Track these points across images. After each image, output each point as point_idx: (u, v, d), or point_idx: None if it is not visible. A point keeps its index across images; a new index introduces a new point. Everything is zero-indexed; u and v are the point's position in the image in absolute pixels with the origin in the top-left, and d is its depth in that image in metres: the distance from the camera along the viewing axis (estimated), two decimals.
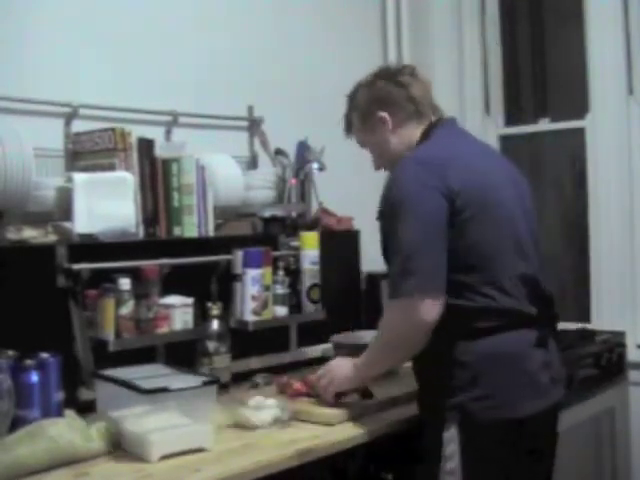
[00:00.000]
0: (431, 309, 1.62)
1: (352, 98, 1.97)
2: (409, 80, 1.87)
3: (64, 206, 1.96)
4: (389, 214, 1.71)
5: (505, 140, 3.28)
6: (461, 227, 1.65)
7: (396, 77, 1.88)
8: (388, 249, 1.72)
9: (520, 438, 1.66)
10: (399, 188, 1.70)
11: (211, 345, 2.12)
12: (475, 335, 1.66)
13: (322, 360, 2.49)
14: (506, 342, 1.67)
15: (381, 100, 1.87)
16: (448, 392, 1.67)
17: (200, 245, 2.24)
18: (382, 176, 3.23)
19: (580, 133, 3.06)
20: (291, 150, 2.64)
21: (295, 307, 2.36)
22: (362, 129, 1.94)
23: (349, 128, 1.99)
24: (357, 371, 1.83)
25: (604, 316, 2.98)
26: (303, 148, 2.64)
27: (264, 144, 2.64)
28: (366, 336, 2.40)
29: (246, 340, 2.23)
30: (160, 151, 2.24)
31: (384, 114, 1.86)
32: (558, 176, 3.29)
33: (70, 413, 1.72)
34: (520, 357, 1.68)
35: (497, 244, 1.70)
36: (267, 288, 2.23)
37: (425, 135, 1.85)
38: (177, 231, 2.22)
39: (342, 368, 1.87)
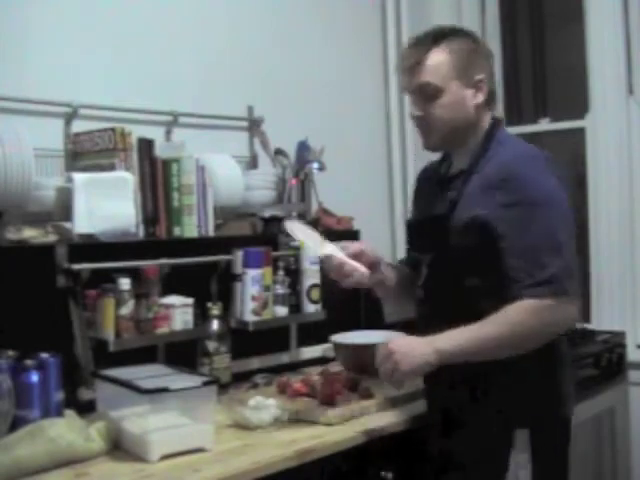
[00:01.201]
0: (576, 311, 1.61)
1: (444, 36, 1.69)
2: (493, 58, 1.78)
3: (64, 206, 1.96)
4: (530, 210, 1.58)
5: None
6: None
7: (486, 45, 1.76)
8: (521, 243, 1.58)
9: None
10: (540, 184, 1.60)
11: (211, 345, 2.12)
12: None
13: (322, 360, 2.50)
14: (564, 343, 1.72)
15: (484, 63, 1.71)
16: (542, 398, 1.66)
17: (200, 245, 2.24)
18: (382, 176, 3.25)
19: (580, 133, 3.06)
20: (291, 150, 2.64)
21: (295, 307, 2.36)
22: (448, 77, 1.66)
23: (417, 61, 1.67)
24: (440, 358, 1.60)
25: (604, 316, 2.98)
26: (303, 148, 2.64)
27: (264, 144, 2.64)
28: (366, 336, 2.40)
29: (246, 340, 2.23)
30: (160, 151, 2.24)
31: (483, 77, 1.69)
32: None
33: (70, 413, 1.72)
34: (569, 357, 1.75)
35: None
36: (267, 288, 2.23)
37: (492, 131, 1.72)
38: (177, 231, 2.22)
39: (417, 350, 1.62)
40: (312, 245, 1.78)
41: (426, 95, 1.68)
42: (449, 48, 1.67)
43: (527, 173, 1.61)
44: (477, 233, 1.61)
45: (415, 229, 1.87)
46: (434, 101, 1.67)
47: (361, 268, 1.73)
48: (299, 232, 1.79)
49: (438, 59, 1.66)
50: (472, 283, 1.64)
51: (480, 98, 1.69)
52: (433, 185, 1.84)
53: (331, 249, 1.74)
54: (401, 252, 3.18)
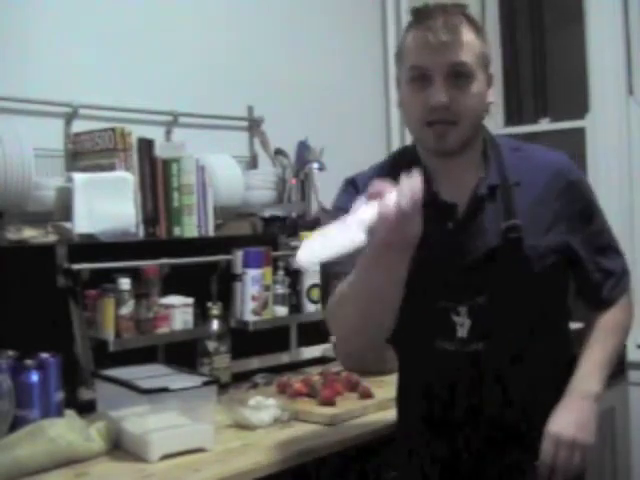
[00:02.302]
0: None
1: (468, 18, 1.43)
2: None
3: (64, 206, 1.96)
4: (599, 212, 1.54)
5: None
6: None
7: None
8: (598, 245, 1.54)
9: None
10: (589, 186, 1.55)
11: (211, 345, 2.12)
12: None
13: (322, 360, 2.50)
14: None
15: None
16: None
17: (200, 245, 2.24)
18: None
19: (580, 133, 3.06)
20: (291, 150, 2.64)
21: (295, 307, 2.36)
22: (477, 62, 1.40)
23: (452, 40, 1.37)
24: (598, 400, 1.47)
25: None
26: (303, 148, 2.65)
27: (264, 144, 2.64)
28: None
29: (246, 340, 2.23)
30: (160, 151, 2.24)
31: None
32: None
33: (70, 413, 1.72)
34: None
35: None
36: (267, 288, 2.23)
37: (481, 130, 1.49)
38: (177, 231, 2.22)
39: (584, 416, 1.44)
40: (343, 240, 1.16)
41: (457, 78, 1.37)
42: (476, 28, 1.42)
43: (579, 174, 1.53)
44: (556, 252, 1.45)
45: (451, 274, 1.43)
46: (465, 87, 1.38)
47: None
48: (319, 247, 1.18)
49: (471, 37, 1.39)
50: (548, 307, 1.50)
51: (491, 97, 1.46)
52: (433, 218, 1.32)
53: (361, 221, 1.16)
54: None
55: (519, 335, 1.45)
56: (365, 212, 1.16)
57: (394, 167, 1.42)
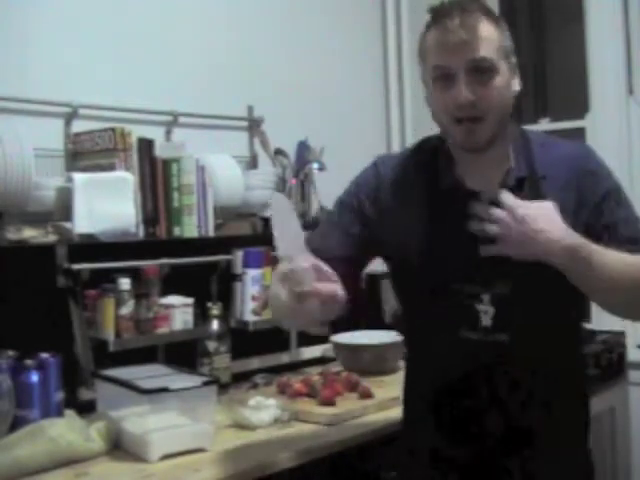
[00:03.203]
0: None
1: (485, 11, 1.43)
2: None
3: (64, 206, 1.96)
4: (622, 201, 1.49)
5: None
6: None
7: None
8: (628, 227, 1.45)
9: None
10: (609, 174, 1.52)
11: (211, 345, 2.12)
12: None
13: (322, 360, 2.50)
14: None
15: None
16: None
17: (200, 245, 2.24)
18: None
19: (580, 133, 3.06)
20: (291, 150, 2.64)
21: None
22: (498, 54, 1.42)
23: (471, 38, 1.38)
24: (573, 249, 1.34)
25: (604, 316, 2.95)
26: (303, 148, 2.64)
27: (264, 144, 2.64)
28: (366, 336, 2.41)
29: (246, 340, 2.23)
30: (160, 151, 2.24)
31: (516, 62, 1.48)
32: None
33: (70, 413, 1.73)
34: None
35: None
36: (267, 288, 2.23)
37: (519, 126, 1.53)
38: (177, 231, 2.22)
39: (554, 218, 1.36)
40: (283, 246, 1.27)
41: (480, 74, 1.39)
42: (495, 21, 1.43)
43: (597, 163, 1.50)
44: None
45: (474, 261, 1.41)
46: (489, 82, 1.39)
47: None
48: (279, 218, 1.29)
49: (490, 31, 1.41)
50: (570, 300, 1.46)
51: (517, 86, 1.46)
52: (453, 204, 1.44)
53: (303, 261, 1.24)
54: None
55: (543, 328, 1.43)
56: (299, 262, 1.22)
57: (417, 155, 1.54)
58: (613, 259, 1.37)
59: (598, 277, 1.36)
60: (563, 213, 1.38)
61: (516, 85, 1.46)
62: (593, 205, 1.44)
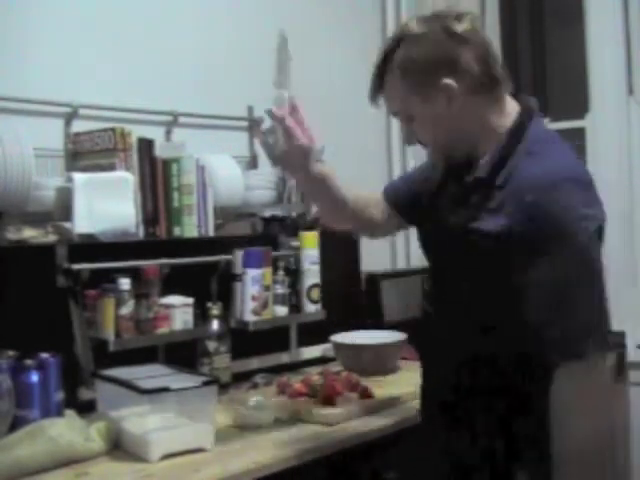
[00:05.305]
0: None
1: (399, 42, 1.49)
2: (475, 33, 1.43)
3: (64, 206, 1.96)
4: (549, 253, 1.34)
5: None
6: None
7: (456, 26, 1.41)
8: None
9: None
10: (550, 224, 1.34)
11: (211, 345, 2.12)
12: None
13: (322, 360, 2.50)
14: None
15: (453, 54, 1.40)
16: None
17: (200, 245, 2.24)
18: (382, 176, 3.25)
19: (580, 133, 3.06)
20: None
21: (295, 307, 2.36)
22: (407, 98, 1.45)
23: (376, 91, 1.51)
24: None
25: None
26: None
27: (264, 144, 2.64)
28: (366, 336, 2.41)
29: (246, 340, 2.23)
30: (160, 151, 2.24)
31: (450, 81, 1.40)
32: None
33: (70, 413, 1.73)
34: None
35: None
36: (267, 288, 2.23)
37: (517, 131, 1.44)
38: (177, 231, 2.22)
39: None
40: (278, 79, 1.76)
41: (404, 120, 1.50)
42: (399, 63, 1.46)
43: (545, 203, 1.32)
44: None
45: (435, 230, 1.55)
46: (412, 124, 1.48)
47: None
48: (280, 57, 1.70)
49: (392, 83, 1.48)
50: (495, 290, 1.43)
51: (454, 105, 1.40)
52: (454, 185, 1.52)
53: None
54: (400, 252, 3.19)
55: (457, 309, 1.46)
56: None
57: None
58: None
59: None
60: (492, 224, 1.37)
61: (452, 104, 1.41)
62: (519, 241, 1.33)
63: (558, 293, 1.30)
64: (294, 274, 2.36)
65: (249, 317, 2.20)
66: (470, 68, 1.40)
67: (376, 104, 1.53)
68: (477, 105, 1.43)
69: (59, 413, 1.70)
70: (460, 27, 1.41)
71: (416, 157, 3.05)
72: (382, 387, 2.05)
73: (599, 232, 1.36)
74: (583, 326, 1.32)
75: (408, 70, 1.44)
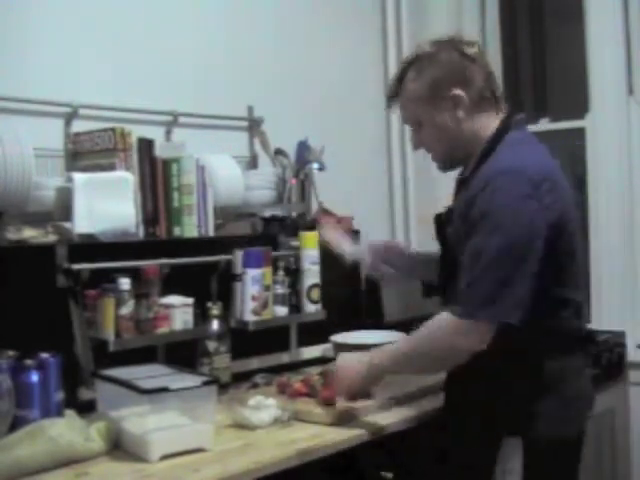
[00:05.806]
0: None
1: (414, 61, 1.72)
2: (482, 56, 1.70)
3: (64, 206, 1.96)
4: (484, 235, 1.55)
5: None
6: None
7: (466, 49, 1.68)
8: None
9: (579, 454, 1.72)
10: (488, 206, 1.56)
11: (211, 345, 2.12)
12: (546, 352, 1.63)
13: (322, 360, 2.50)
14: (575, 358, 1.68)
15: (462, 72, 1.66)
16: (513, 409, 1.63)
17: (200, 245, 2.24)
18: (382, 176, 3.25)
19: (580, 133, 3.06)
20: (291, 150, 2.64)
21: (295, 307, 2.36)
22: (420, 107, 1.71)
23: (393, 97, 1.77)
24: (370, 370, 1.74)
25: (604, 316, 2.97)
26: (303, 148, 2.64)
27: (264, 144, 2.64)
28: (366, 336, 2.40)
29: (246, 340, 2.23)
30: (160, 151, 2.24)
31: (458, 92, 1.66)
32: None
33: (70, 413, 1.72)
34: (581, 372, 1.69)
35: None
36: (267, 288, 2.23)
37: (496, 138, 1.66)
38: (177, 231, 2.22)
39: (351, 368, 1.78)
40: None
41: (414, 127, 1.76)
42: (415, 75, 1.70)
43: (498, 194, 1.53)
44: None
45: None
46: (420, 132, 1.75)
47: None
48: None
49: (408, 92, 1.72)
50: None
51: (460, 113, 1.67)
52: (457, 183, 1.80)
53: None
54: None
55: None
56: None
57: None
58: (401, 349, 1.69)
59: (403, 369, 1.75)
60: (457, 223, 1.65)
61: (458, 113, 1.66)
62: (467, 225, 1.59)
63: (476, 262, 1.53)
64: (294, 274, 2.36)
65: (249, 317, 2.20)
66: (477, 82, 1.67)
67: (390, 108, 1.80)
68: (477, 117, 1.68)
69: (59, 413, 1.70)
70: (470, 50, 1.68)
71: (416, 156, 3.05)
72: (382, 387, 2.04)
73: (539, 224, 1.52)
74: (486, 293, 1.51)
75: (424, 82, 1.68)
